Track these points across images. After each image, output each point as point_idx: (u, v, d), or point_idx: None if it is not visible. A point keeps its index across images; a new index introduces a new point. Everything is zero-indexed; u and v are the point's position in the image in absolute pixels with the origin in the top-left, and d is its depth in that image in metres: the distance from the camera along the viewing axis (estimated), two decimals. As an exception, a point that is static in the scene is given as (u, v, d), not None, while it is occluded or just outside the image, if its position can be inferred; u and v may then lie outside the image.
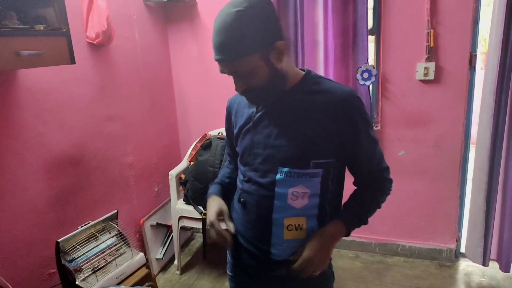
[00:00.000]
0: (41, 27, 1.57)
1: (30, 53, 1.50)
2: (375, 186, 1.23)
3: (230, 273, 1.37)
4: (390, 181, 1.25)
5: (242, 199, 1.22)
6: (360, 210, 1.20)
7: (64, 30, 1.65)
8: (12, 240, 1.80)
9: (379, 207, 1.24)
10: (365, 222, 1.21)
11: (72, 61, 1.69)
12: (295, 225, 1.15)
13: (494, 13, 2.15)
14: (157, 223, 2.79)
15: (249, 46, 1.00)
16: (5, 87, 1.74)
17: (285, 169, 1.10)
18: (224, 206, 1.22)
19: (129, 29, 2.55)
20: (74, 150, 2.13)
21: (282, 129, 1.12)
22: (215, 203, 1.24)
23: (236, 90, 1.09)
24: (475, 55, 2.36)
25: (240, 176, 1.25)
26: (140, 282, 1.99)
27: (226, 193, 1.32)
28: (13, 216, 1.81)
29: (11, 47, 1.45)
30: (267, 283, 1.26)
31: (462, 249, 2.68)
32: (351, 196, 1.21)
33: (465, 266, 2.67)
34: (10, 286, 1.68)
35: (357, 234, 2.93)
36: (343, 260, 2.89)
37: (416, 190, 2.67)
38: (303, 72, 1.18)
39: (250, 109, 1.21)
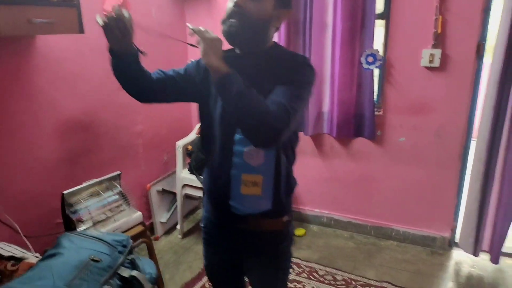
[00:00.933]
0: (53, -3, 1.71)
1: (42, 21, 1.65)
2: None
3: (202, 225, 1.50)
4: (277, 121, 1.08)
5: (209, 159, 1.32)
6: (246, 88, 1.09)
7: (75, 1, 1.79)
8: (25, 191, 2.01)
9: (254, 110, 1.08)
10: (233, 91, 1.08)
11: (81, 31, 1.83)
12: (251, 181, 1.25)
13: (505, 2, 2.09)
14: (163, 189, 2.97)
15: None
16: (23, 52, 1.92)
17: None
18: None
19: (146, 4, 2.67)
20: (84, 116, 2.30)
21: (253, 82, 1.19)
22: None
23: (235, 3, 1.16)
24: (483, 44, 2.31)
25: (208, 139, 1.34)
26: (135, 237, 2.17)
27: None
28: (27, 169, 2.01)
29: (24, 15, 1.60)
30: (232, 234, 1.38)
31: (457, 239, 2.68)
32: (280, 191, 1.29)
33: (457, 255, 2.69)
34: (18, 228, 1.88)
35: (353, 216, 3.00)
36: (337, 239, 2.97)
37: (414, 177, 2.69)
38: (274, 42, 1.26)
39: None
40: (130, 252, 1.44)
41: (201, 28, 1.10)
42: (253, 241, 1.38)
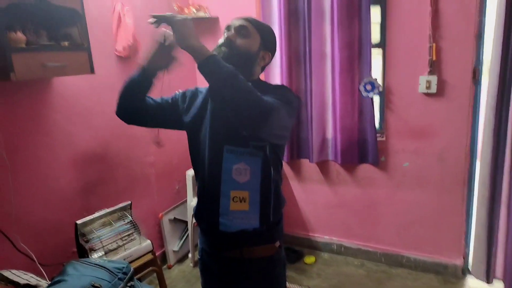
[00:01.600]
0: (66, 43, 1.89)
1: (54, 65, 1.83)
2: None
3: (199, 256, 1.57)
4: (263, 102, 1.14)
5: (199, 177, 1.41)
6: (229, 68, 1.13)
7: (85, 45, 1.97)
8: (42, 221, 2.15)
9: (244, 86, 1.12)
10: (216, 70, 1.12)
11: (92, 71, 2.00)
12: (239, 197, 1.33)
13: (496, 28, 2.15)
14: (174, 218, 3.06)
15: (263, 31, 1.37)
16: (41, 92, 2.10)
17: (230, 147, 1.28)
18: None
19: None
20: (99, 148, 2.45)
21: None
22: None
23: (227, 35, 1.32)
24: (479, 69, 2.35)
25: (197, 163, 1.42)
26: (145, 265, 2.25)
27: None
28: (45, 201, 2.15)
29: (39, 60, 1.79)
30: (225, 262, 1.44)
31: (470, 266, 2.62)
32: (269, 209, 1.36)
33: (471, 283, 2.61)
34: (34, 257, 2.00)
35: (363, 243, 2.99)
36: (347, 267, 2.95)
37: (421, 202, 2.68)
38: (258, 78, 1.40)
39: (203, 101, 1.39)
40: (131, 279, 1.52)
41: (165, 14, 1.12)
42: (248, 269, 1.43)
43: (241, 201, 1.33)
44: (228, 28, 1.34)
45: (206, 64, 1.10)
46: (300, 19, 2.69)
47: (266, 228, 1.37)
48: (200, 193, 1.44)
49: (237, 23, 1.32)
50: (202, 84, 1.27)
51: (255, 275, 1.43)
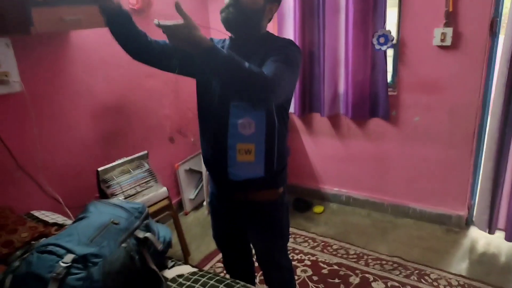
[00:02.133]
0: (81, -3, 1.93)
1: (71, 18, 1.88)
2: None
3: (208, 201, 1.69)
4: (264, 80, 1.18)
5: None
6: (230, 58, 1.18)
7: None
8: (67, 167, 2.31)
9: (244, 69, 1.17)
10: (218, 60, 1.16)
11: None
12: (245, 149, 1.40)
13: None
14: (190, 168, 3.20)
15: None
16: (60, 45, 2.18)
17: (235, 103, 1.35)
18: None
19: (169, -4, 2.84)
20: (116, 99, 2.55)
21: None
22: None
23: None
24: (497, 21, 2.27)
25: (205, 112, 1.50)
26: (161, 210, 2.41)
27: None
28: (68, 148, 2.30)
29: (57, 14, 1.84)
30: (232, 205, 1.55)
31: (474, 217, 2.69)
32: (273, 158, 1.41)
33: (473, 233, 2.69)
34: (60, 199, 2.17)
35: (371, 194, 3.08)
36: (354, 216, 3.07)
37: (429, 156, 2.71)
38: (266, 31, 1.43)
39: None
40: (146, 218, 1.66)
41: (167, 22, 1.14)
42: (251, 211, 1.54)
43: (247, 153, 1.40)
44: None
45: (207, 55, 1.14)
46: None
47: (270, 176, 1.45)
48: (209, 145, 1.52)
49: None
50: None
51: (258, 217, 1.55)
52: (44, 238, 1.76)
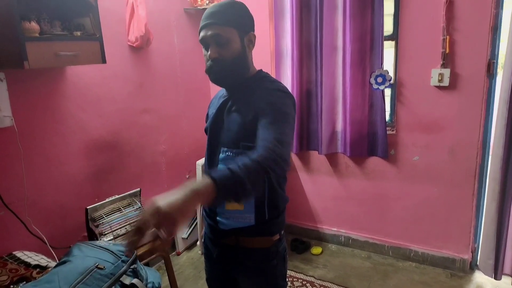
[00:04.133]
0: (78, 33, 1.92)
1: (67, 54, 1.86)
2: (258, 156, 1.07)
3: (203, 241, 1.60)
4: (275, 160, 1.07)
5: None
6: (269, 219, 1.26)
7: (97, 35, 1.99)
8: (55, 206, 2.20)
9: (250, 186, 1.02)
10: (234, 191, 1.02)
11: (103, 61, 2.02)
12: None
13: None
14: (184, 206, 3.08)
15: (234, 21, 1.27)
16: (54, 80, 2.14)
17: (224, 149, 1.30)
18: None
19: (168, 34, 2.87)
20: (110, 136, 2.49)
21: (229, 116, 1.32)
22: None
23: (210, 57, 1.27)
24: (494, 63, 2.27)
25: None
26: (153, 251, 2.28)
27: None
28: (57, 186, 2.20)
29: (52, 49, 1.81)
30: (225, 250, 1.45)
31: (479, 261, 2.57)
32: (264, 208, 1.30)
33: (478, 278, 2.57)
34: (45, 239, 2.06)
35: (370, 235, 2.97)
36: (354, 259, 2.94)
37: (430, 196, 2.63)
38: (257, 70, 1.36)
39: (218, 102, 1.42)
40: (134, 261, 1.55)
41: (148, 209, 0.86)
42: (243, 258, 1.44)
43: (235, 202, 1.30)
44: (204, 43, 1.28)
45: (222, 194, 0.97)
46: (312, 10, 2.66)
47: (262, 224, 1.37)
48: None
49: (209, 33, 1.25)
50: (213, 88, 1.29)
51: (249, 264, 1.44)
52: (24, 283, 1.64)
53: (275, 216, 1.40)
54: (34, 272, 1.80)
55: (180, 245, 3.07)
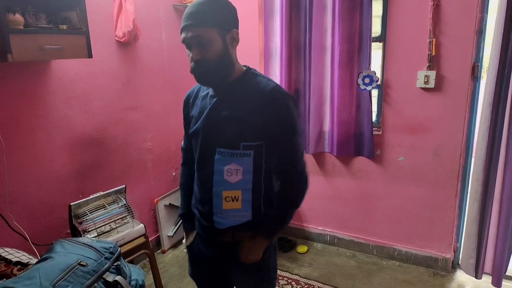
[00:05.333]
0: (64, 27, 1.88)
1: (51, 47, 1.82)
2: (288, 199, 1.41)
3: (192, 241, 1.58)
4: (301, 191, 1.41)
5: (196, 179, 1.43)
6: (274, 225, 1.41)
7: (84, 29, 1.96)
8: (38, 202, 2.16)
9: (290, 219, 1.44)
10: (280, 230, 1.45)
11: (90, 55, 1.99)
12: (231, 196, 1.33)
13: (496, 25, 2.11)
14: (170, 203, 3.07)
15: (214, 20, 1.24)
16: (39, 74, 2.10)
17: (221, 150, 1.29)
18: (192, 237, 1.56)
19: (157, 30, 2.84)
20: (96, 133, 2.46)
21: (222, 116, 1.31)
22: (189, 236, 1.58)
23: (192, 59, 1.26)
24: (478, 66, 2.31)
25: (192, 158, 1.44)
26: (137, 248, 2.26)
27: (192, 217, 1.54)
28: (40, 182, 2.16)
29: (37, 42, 1.78)
30: (218, 247, 1.45)
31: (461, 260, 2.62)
32: (269, 211, 1.39)
33: (460, 277, 2.61)
34: (27, 236, 2.02)
35: (356, 234, 2.99)
36: (339, 257, 2.96)
37: (414, 196, 2.67)
38: (245, 68, 1.36)
39: (203, 100, 1.40)
40: (117, 258, 1.53)
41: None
42: (238, 251, 1.44)
43: (233, 200, 1.35)
44: (186, 44, 1.27)
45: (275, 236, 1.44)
46: (301, 10, 2.66)
47: (259, 218, 1.39)
48: (197, 190, 1.45)
49: (189, 34, 1.24)
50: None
51: (243, 259, 1.44)
52: (4, 280, 1.60)
53: (269, 211, 1.41)
54: (15, 269, 1.76)
55: (166, 243, 3.05)
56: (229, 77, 1.32)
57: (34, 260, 1.82)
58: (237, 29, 1.28)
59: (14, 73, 1.97)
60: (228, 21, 1.27)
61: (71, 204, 2.15)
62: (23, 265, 1.81)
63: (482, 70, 2.39)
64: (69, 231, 2.26)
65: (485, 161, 2.25)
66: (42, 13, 1.85)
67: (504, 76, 2.11)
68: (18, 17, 1.76)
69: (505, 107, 2.16)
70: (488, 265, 2.43)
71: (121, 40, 2.51)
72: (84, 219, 2.19)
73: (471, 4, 2.21)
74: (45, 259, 1.44)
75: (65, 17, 1.95)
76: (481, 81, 2.39)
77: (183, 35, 1.25)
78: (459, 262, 2.62)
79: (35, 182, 2.13)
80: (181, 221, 2.99)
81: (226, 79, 1.32)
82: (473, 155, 2.40)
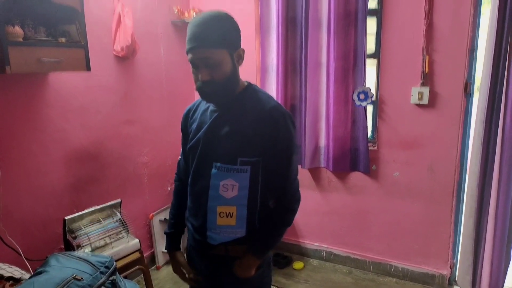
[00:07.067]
0: (63, 40, 1.90)
1: (50, 60, 1.83)
2: (279, 218, 1.40)
3: (186, 253, 1.56)
4: (293, 211, 1.41)
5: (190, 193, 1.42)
6: (265, 244, 1.40)
7: (83, 43, 1.97)
8: (32, 216, 2.13)
9: (281, 237, 1.44)
10: (271, 249, 1.45)
11: (88, 69, 2.00)
12: (226, 212, 1.32)
13: (487, 44, 2.17)
14: (165, 218, 3.04)
15: (223, 41, 1.22)
16: (37, 87, 2.10)
17: (218, 164, 1.28)
18: (182, 260, 1.54)
19: (155, 45, 2.87)
20: (92, 146, 2.44)
21: (221, 132, 1.31)
22: (175, 263, 1.57)
23: (202, 79, 1.23)
24: (471, 83, 2.36)
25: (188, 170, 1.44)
26: (132, 264, 2.23)
27: (180, 233, 1.59)
28: (34, 196, 2.14)
29: (35, 55, 1.79)
30: (212, 260, 1.43)
31: (457, 277, 2.61)
32: (260, 229, 1.38)
33: (457, 294, 2.59)
34: (20, 251, 1.98)
35: (352, 250, 2.97)
36: (335, 274, 2.93)
37: (410, 212, 2.67)
38: (246, 84, 1.36)
39: (203, 115, 1.40)
40: (113, 273, 1.50)
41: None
42: (231, 266, 1.43)
43: (227, 216, 1.33)
44: (194, 65, 1.25)
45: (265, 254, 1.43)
46: (297, 27, 2.71)
47: (253, 233, 1.37)
48: (189, 204, 1.44)
49: (198, 56, 1.21)
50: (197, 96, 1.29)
51: (239, 273, 1.43)
52: (-5, 296, 1.56)
53: (264, 226, 1.40)
54: (7, 285, 1.72)
55: (160, 260, 3.00)
56: (233, 94, 1.31)
57: (27, 275, 1.78)
58: (241, 46, 1.29)
59: (11, 85, 1.97)
60: (236, 40, 1.27)
61: (66, 218, 2.12)
62: (16, 281, 1.77)
63: (474, 87, 2.43)
64: (62, 246, 2.22)
65: (479, 178, 2.28)
66: (41, 26, 1.87)
67: (496, 93, 2.15)
68: (17, 29, 1.78)
69: (498, 124, 2.20)
70: (484, 281, 2.43)
71: (119, 55, 2.52)
72: (78, 234, 2.16)
73: (463, 23, 2.27)
74: (40, 273, 1.41)
75: (64, 31, 1.96)
76: (473, 98, 2.42)
77: (190, 55, 1.23)
78: (456, 279, 2.61)
79: (29, 195, 2.11)
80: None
81: (231, 97, 1.31)
82: (467, 171, 2.41)
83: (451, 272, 2.65)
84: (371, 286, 2.74)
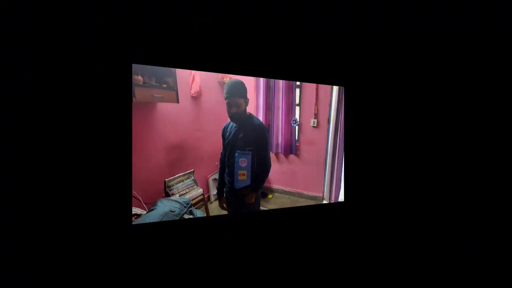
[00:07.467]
0: (165, 85, 1.35)
1: (157, 96, 1.28)
2: (263, 171, 1.35)
3: (225, 192, 1.08)
4: (268, 171, 1.42)
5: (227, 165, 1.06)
6: (258, 185, 1.35)
7: (175, 88, 1.45)
8: (148, 179, 1.59)
9: (264, 183, 1.38)
10: (260, 188, 1.35)
11: (177, 101, 1.47)
12: (242, 173, 1.56)
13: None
14: (214, 178, 2.35)
15: (241, 94, 1.32)
16: (149, 112, 1.47)
17: (238, 151, 1.19)
18: (224, 200, 1.34)
19: (209, 92, 2.22)
20: (179, 142, 1.88)
21: (239, 136, 0.96)
22: (220, 201, 1.35)
23: (231, 111, 1.24)
24: (329, 118, 2.26)
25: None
26: (199, 201, 1.74)
27: (223, 187, 1.13)
28: (148, 168, 1.65)
29: (149, 93, 1.31)
30: (235, 196, 1.43)
31: None
32: (255, 179, 0.96)
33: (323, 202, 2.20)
34: (140, 199, 1.25)
35: (289, 188, 2.80)
36: (284, 199, 2.94)
37: (308, 169, 2.53)
38: (248, 113, 1.06)
39: (230, 128, 0.99)
40: (190, 206, 0.91)
41: None
42: (243, 198, 1.32)
43: (243, 175, 1.41)
44: (228, 105, 1.08)
45: (258, 190, 1.38)
46: (270, 90, 2.38)
47: (253, 185, 1.08)
48: (226, 171, 1.43)
49: (233, 101, 1.12)
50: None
51: (247, 201, 0.99)
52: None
53: (258, 183, 0.97)
54: (133, 218, 1.01)
55: (212, 198, 2.27)
56: (244, 119, 1.12)
57: (144, 212, 1.04)
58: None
59: (136, 108, 1.29)
60: (246, 94, 1.41)
61: (166, 180, 1.40)
62: (138, 216, 1.04)
63: (331, 120, 2.22)
64: (163, 194, 1.49)
65: (331, 156, 2.09)
66: (153, 77, 1.27)
67: (339, 124, 1.98)
68: (139, 77, 1.12)
69: (337, 135, 2.04)
70: (333, 195, 2.09)
71: (193, 95, 1.89)
72: (172, 188, 1.42)
73: (326, 99, 2.13)
74: (151, 210, 0.76)
75: (165, 80, 1.45)
76: (330, 124, 2.20)
77: (226, 100, 1.11)
78: (323, 197, 2.23)
79: (146, 169, 1.54)
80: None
81: (243, 120, 0.86)
82: (328, 154, 2.08)
83: (323, 194, 2.24)
84: (295, 202, 2.25)
